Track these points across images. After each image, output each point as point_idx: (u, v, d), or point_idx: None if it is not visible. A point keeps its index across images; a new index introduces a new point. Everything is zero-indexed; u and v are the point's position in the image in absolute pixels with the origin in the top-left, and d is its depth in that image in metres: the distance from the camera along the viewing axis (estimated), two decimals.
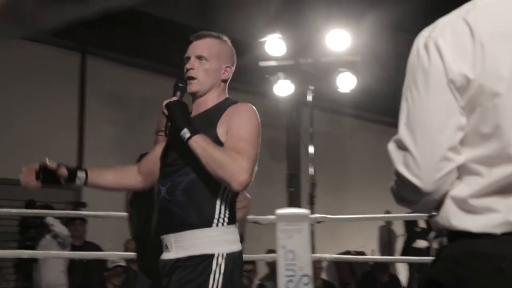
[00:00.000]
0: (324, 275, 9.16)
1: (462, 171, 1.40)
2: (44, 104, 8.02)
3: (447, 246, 1.42)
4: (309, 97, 7.66)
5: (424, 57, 1.41)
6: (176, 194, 2.41)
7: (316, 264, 6.95)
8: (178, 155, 2.44)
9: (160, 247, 3.58)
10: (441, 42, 1.40)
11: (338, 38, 7.56)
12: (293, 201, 9.46)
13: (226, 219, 2.43)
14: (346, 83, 7.69)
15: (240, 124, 2.43)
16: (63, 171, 2.61)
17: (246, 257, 7.34)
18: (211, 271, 2.37)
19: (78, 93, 8.54)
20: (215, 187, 2.42)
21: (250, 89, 9.13)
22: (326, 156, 9.79)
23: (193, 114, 2.51)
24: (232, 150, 2.35)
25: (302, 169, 9.83)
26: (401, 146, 1.42)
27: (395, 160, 1.43)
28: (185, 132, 2.35)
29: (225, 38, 2.66)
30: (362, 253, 9.55)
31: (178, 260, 2.40)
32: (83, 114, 8.51)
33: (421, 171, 1.39)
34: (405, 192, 1.43)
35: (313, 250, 5.03)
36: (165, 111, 2.41)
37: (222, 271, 2.38)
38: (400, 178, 1.42)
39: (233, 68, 2.64)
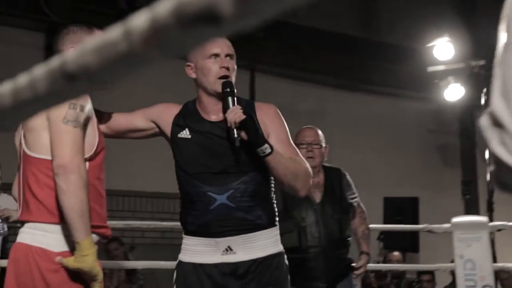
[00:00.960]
0: None
1: None
2: None
3: None
4: (483, 100, 7.35)
5: None
6: (243, 200, 2.40)
7: (502, 275, 6.58)
8: (238, 162, 2.40)
9: (326, 257, 3.57)
10: None
11: None
12: (470, 209, 9.08)
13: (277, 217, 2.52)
14: None
15: (280, 128, 2.49)
16: None
17: (423, 267, 7.11)
18: (286, 266, 2.48)
19: None
20: (271, 188, 2.48)
21: (418, 95, 8.93)
22: None
23: (216, 117, 2.45)
24: (295, 158, 2.43)
25: (478, 175, 9.42)
26: (496, 121, 1.14)
27: (489, 138, 1.15)
28: (266, 148, 2.33)
29: None
30: None
31: (254, 261, 2.39)
32: None
33: None
34: (506, 177, 1.15)
35: (495, 260, 4.80)
36: (235, 124, 2.33)
37: (288, 265, 2.52)
38: (496, 160, 1.14)
39: None
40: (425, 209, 7.80)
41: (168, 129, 2.50)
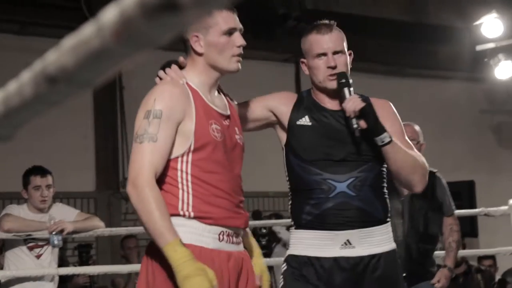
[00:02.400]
0: None
1: None
2: None
3: None
4: None
5: None
6: (364, 190, 2.35)
7: None
8: (358, 151, 2.38)
9: (406, 248, 3.53)
10: None
11: None
12: None
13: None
14: None
15: (396, 121, 2.49)
16: None
17: (483, 251, 6.91)
18: (399, 263, 2.45)
19: None
20: (385, 181, 2.44)
21: (468, 76, 8.74)
22: None
23: (333, 106, 2.46)
24: (414, 153, 2.40)
25: None
26: None
27: None
28: (385, 137, 2.32)
29: None
30: None
31: (373, 256, 2.35)
32: None
33: None
34: None
35: None
36: (355, 113, 2.33)
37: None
38: None
39: None
40: (481, 192, 7.62)
41: (285, 117, 2.46)
